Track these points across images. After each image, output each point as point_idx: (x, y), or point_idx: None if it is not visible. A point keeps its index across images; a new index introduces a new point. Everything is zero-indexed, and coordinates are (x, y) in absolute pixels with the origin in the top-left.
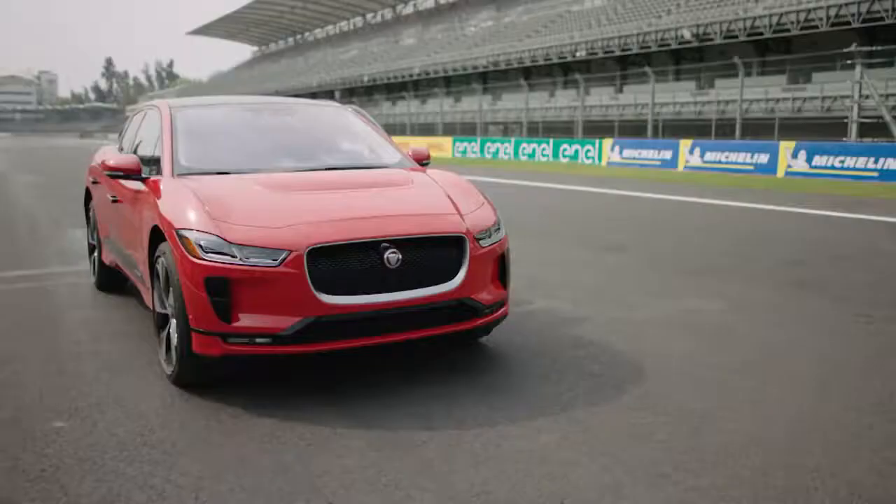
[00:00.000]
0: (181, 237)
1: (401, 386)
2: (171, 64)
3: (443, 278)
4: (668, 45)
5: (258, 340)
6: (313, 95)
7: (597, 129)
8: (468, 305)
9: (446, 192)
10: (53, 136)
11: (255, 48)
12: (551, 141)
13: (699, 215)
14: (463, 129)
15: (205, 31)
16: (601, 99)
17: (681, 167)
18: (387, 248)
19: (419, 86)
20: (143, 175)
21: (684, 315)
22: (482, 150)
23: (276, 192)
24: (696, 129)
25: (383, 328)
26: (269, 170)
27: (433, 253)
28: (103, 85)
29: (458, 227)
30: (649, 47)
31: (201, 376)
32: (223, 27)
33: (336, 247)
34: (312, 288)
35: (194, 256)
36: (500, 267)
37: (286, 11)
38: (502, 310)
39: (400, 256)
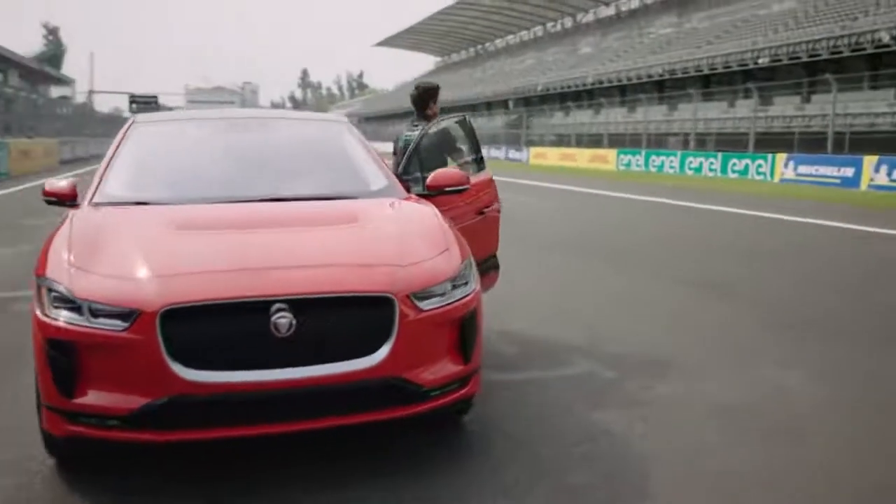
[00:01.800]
0: (37, 286)
1: (313, 483)
2: (360, 75)
3: (360, 351)
4: (864, 49)
5: (109, 423)
6: (488, 105)
7: (773, 142)
8: (399, 387)
9: (400, 233)
10: None
11: (438, 58)
12: (720, 155)
13: (866, 250)
14: (633, 141)
15: (390, 42)
16: (784, 109)
17: (863, 186)
18: (277, 311)
19: (593, 95)
20: (78, 202)
21: (763, 400)
22: (647, 164)
23: (178, 230)
24: (889, 143)
25: (271, 415)
26: (206, 199)
27: (347, 318)
28: (299, 94)
29: (380, 286)
30: (840, 52)
31: (68, 454)
32: (407, 39)
33: (203, 307)
34: (168, 359)
35: (42, 312)
36: (461, 335)
37: (468, 22)
38: (462, 390)
39: (293, 321)
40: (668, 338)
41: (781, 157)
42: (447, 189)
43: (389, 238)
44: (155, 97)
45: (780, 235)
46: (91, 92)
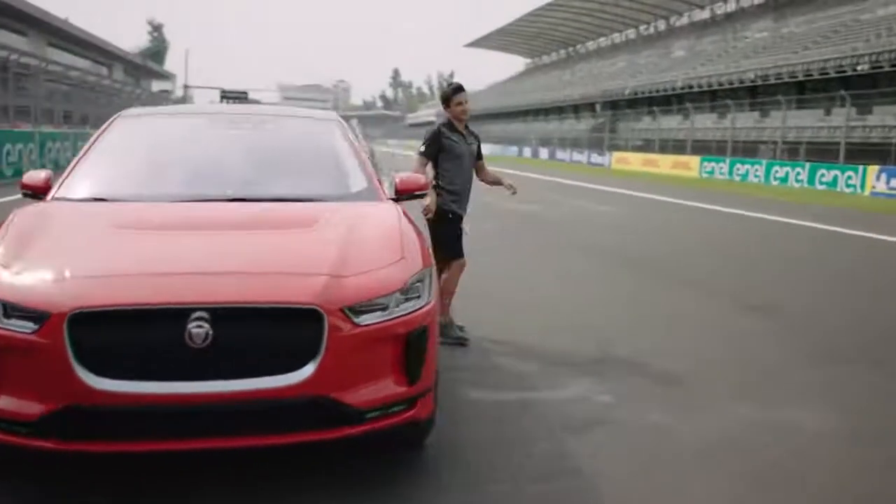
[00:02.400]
0: None
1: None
2: (451, 74)
3: (284, 368)
4: None
5: (16, 429)
6: (575, 108)
7: (868, 154)
8: (328, 408)
9: (352, 240)
10: None
11: (528, 60)
12: (807, 165)
13: None
14: (720, 148)
15: (480, 43)
16: (883, 119)
17: None
18: (193, 321)
19: (682, 100)
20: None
21: (761, 432)
22: (731, 172)
23: (115, 231)
24: None
25: (183, 430)
26: (167, 197)
27: (270, 331)
28: (390, 94)
29: (307, 297)
30: None
31: None
32: (497, 40)
33: (113, 313)
34: (76, 366)
35: None
36: (407, 353)
37: (558, 24)
38: (408, 413)
39: (210, 332)
40: (684, 362)
41: (873, 169)
42: (415, 193)
43: (337, 245)
44: (245, 93)
45: (849, 252)
46: (186, 87)
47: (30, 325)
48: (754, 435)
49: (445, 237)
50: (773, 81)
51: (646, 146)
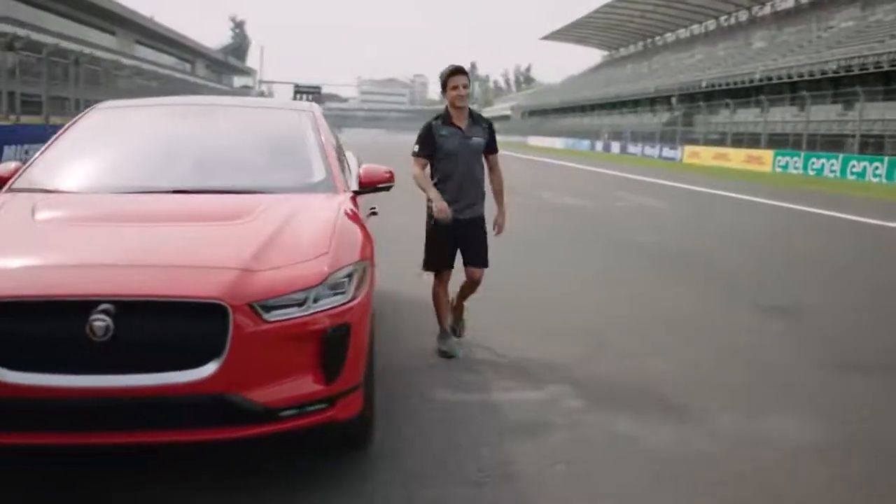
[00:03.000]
0: None
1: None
2: (528, 68)
3: (187, 363)
4: None
5: None
6: (651, 101)
7: None
8: (234, 405)
9: (277, 233)
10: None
11: (605, 52)
12: (886, 160)
13: None
14: (799, 142)
15: (556, 36)
16: None
17: None
18: (95, 314)
19: (761, 92)
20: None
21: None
22: (805, 167)
23: (41, 222)
24: None
25: (81, 424)
26: (115, 189)
27: (174, 325)
28: None
29: (211, 291)
30: None
31: None
32: (573, 32)
33: (11, 304)
34: None
35: None
36: (325, 350)
37: (636, 16)
38: (329, 412)
39: (111, 325)
40: (672, 366)
41: None
42: (378, 186)
43: (259, 239)
44: (318, 87)
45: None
46: (260, 82)
47: None
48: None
49: (432, 245)
50: (856, 72)
51: (722, 140)
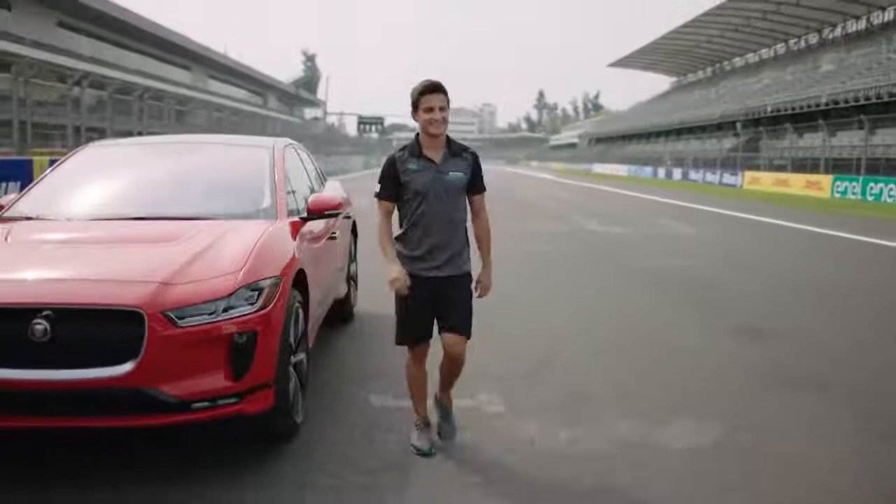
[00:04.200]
0: None
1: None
2: (597, 95)
3: (111, 360)
4: None
5: None
6: (718, 127)
7: None
8: (148, 397)
9: (200, 253)
10: (484, 162)
11: (674, 78)
12: None
13: None
14: (859, 167)
15: (624, 62)
16: None
17: None
18: (35, 318)
19: (828, 116)
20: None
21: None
22: (863, 192)
23: (22, 239)
24: None
25: (32, 410)
26: (83, 216)
27: (100, 328)
28: (534, 116)
29: (131, 301)
30: None
31: None
32: (641, 59)
33: None
34: None
35: None
36: (232, 352)
37: (703, 41)
38: (239, 405)
39: (47, 328)
40: (628, 386)
41: None
42: (325, 213)
43: (185, 257)
44: (381, 118)
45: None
46: (326, 113)
47: None
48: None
49: (403, 311)
50: None
51: (788, 165)
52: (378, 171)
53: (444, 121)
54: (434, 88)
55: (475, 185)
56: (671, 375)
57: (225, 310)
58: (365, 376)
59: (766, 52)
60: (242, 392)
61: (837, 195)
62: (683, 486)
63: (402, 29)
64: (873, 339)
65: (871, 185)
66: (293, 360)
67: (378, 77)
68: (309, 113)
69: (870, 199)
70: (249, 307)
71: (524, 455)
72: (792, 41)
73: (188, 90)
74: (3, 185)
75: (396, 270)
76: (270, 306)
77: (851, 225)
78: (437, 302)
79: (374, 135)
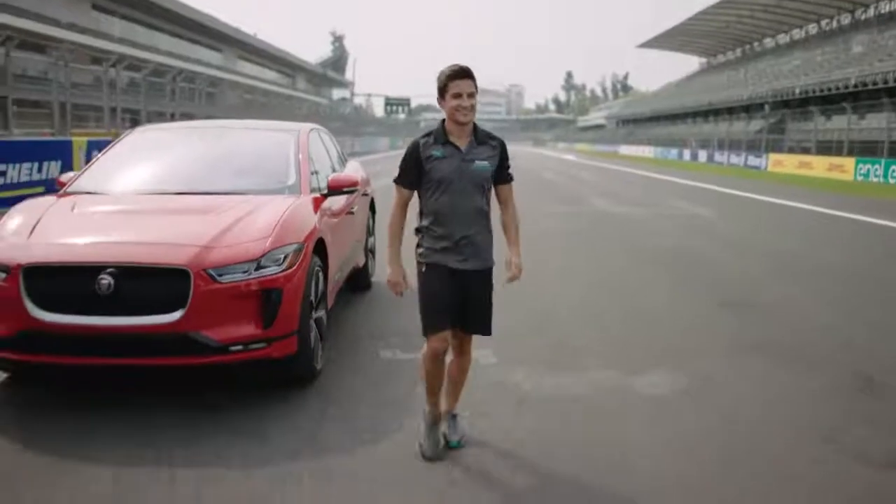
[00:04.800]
0: None
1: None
2: (626, 76)
3: (163, 309)
4: None
5: None
6: (746, 109)
7: None
8: (194, 340)
9: (235, 222)
10: (510, 143)
11: (703, 59)
12: None
13: None
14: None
15: (653, 43)
16: None
17: None
18: (102, 274)
19: (858, 97)
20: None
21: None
22: (886, 174)
23: (79, 213)
24: None
25: (97, 351)
26: (135, 191)
27: (155, 282)
28: (562, 96)
29: (177, 259)
30: None
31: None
32: (670, 39)
33: (51, 267)
34: (27, 302)
35: None
36: (262, 304)
37: (734, 21)
38: (267, 349)
39: (112, 282)
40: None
41: None
42: (344, 189)
43: (223, 225)
44: (407, 99)
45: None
46: (353, 94)
47: (2, 275)
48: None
49: (428, 297)
50: None
51: (813, 148)
52: (404, 151)
53: (473, 108)
54: (463, 73)
55: (502, 174)
56: (655, 336)
57: (256, 269)
58: (378, 335)
59: (797, 33)
60: (270, 338)
61: (860, 178)
62: (648, 426)
63: (430, 9)
64: (835, 311)
65: (894, 167)
66: (314, 315)
67: (406, 58)
68: (337, 94)
69: (892, 181)
70: (276, 268)
71: (510, 396)
72: (824, 21)
73: (219, 71)
74: (46, 164)
75: (396, 273)
76: (294, 268)
77: (857, 206)
78: (460, 295)
79: (402, 115)
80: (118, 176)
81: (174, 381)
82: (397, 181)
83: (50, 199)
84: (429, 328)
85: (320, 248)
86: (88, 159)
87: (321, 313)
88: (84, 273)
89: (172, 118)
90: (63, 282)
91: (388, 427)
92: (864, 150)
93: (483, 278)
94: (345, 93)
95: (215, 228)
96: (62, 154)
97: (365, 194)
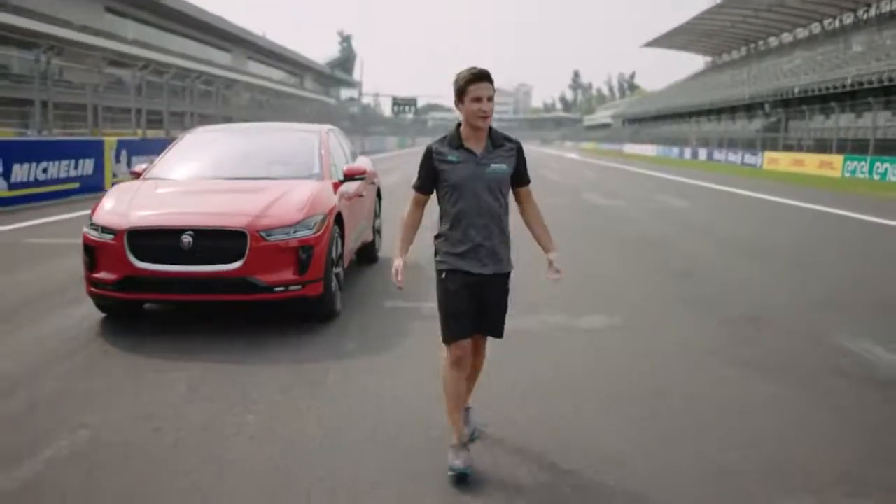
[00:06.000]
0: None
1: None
2: (632, 75)
3: (229, 260)
4: None
5: (106, 287)
6: (748, 108)
7: None
8: (249, 282)
9: (277, 199)
10: None
11: (709, 58)
12: None
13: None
14: (880, 147)
15: (659, 42)
16: None
17: None
18: (183, 234)
19: (856, 96)
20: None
21: None
22: (871, 171)
23: (161, 191)
24: None
25: (180, 289)
26: (198, 177)
27: (223, 240)
28: (569, 96)
29: (238, 224)
30: None
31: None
32: (675, 39)
33: (147, 229)
34: (129, 255)
35: (84, 229)
36: (297, 257)
37: (738, 21)
38: (302, 290)
39: (191, 241)
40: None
41: None
42: (355, 177)
43: (268, 201)
44: (414, 99)
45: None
46: (361, 94)
47: (109, 237)
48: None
49: (448, 302)
50: None
51: (810, 146)
52: (413, 150)
53: (491, 111)
54: (482, 77)
55: (520, 177)
56: (602, 294)
57: (294, 232)
58: (383, 293)
59: (801, 32)
60: (304, 282)
61: (848, 174)
62: (583, 351)
63: (437, 9)
64: (757, 275)
65: (878, 164)
66: (335, 270)
67: (412, 58)
68: (345, 93)
69: (876, 177)
70: (308, 231)
71: None
72: (826, 21)
73: (231, 72)
74: (81, 161)
75: (396, 264)
76: (321, 232)
77: (827, 199)
78: (478, 300)
79: (409, 115)
80: (183, 166)
81: (237, 315)
82: (417, 188)
83: (137, 183)
84: (449, 337)
85: (339, 220)
86: (118, 157)
87: (339, 270)
88: (170, 234)
89: (192, 118)
90: (155, 240)
91: (391, 346)
92: (856, 147)
93: (501, 282)
94: (353, 93)
95: (263, 203)
96: (95, 152)
97: (372, 183)
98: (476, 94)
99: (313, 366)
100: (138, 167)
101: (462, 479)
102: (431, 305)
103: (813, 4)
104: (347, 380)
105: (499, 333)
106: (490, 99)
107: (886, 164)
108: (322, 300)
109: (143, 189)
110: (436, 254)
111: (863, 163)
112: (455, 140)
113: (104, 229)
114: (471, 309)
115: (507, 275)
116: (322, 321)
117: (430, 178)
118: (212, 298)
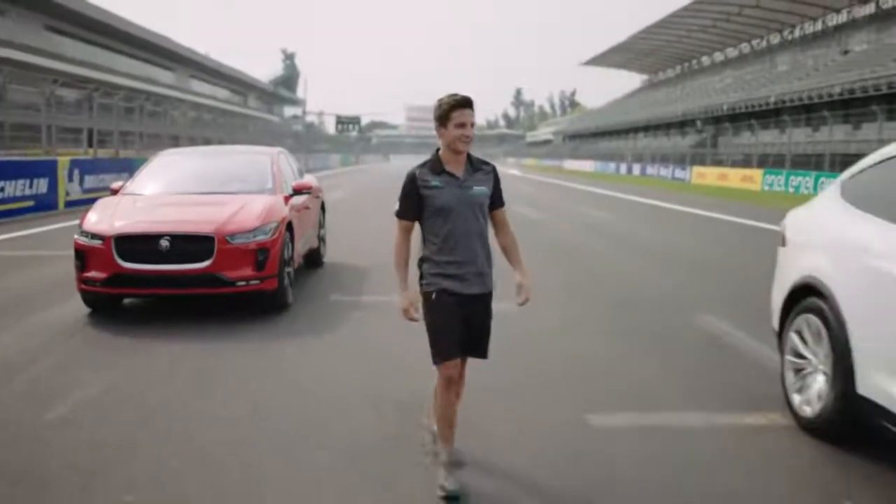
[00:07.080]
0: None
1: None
2: (573, 93)
3: (200, 260)
4: None
5: (95, 283)
6: (681, 125)
7: None
8: (217, 278)
9: (238, 210)
10: None
11: (645, 77)
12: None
13: None
14: (816, 163)
15: (598, 61)
16: None
17: None
18: (161, 239)
19: (780, 114)
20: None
21: None
22: (786, 184)
23: (138, 205)
24: None
25: (159, 285)
26: (168, 192)
27: (194, 244)
28: (512, 113)
29: (206, 230)
30: None
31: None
32: (614, 57)
33: (131, 235)
34: (117, 257)
35: (75, 236)
36: (256, 257)
37: (673, 41)
38: (260, 285)
39: (168, 244)
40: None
41: None
42: (303, 191)
43: (231, 212)
44: (357, 118)
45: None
46: (305, 112)
47: (98, 242)
48: None
49: (438, 322)
50: (858, 95)
51: (734, 161)
52: (357, 167)
53: (471, 138)
54: (466, 103)
55: (497, 199)
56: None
57: (253, 236)
58: (328, 290)
59: (731, 52)
60: (262, 277)
61: (766, 188)
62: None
63: (380, 28)
64: (644, 268)
65: (793, 178)
66: (287, 269)
67: (356, 76)
68: (288, 111)
69: (790, 190)
70: (265, 236)
71: None
72: (755, 41)
73: (175, 91)
74: (36, 180)
75: (406, 299)
76: (275, 236)
77: (736, 210)
78: (464, 320)
79: (353, 133)
80: (155, 183)
81: (207, 306)
82: (398, 214)
83: (116, 198)
84: (441, 357)
85: (290, 227)
86: (71, 176)
87: (291, 269)
88: (150, 239)
89: (141, 137)
90: (138, 244)
91: (333, 326)
92: (776, 162)
93: (486, 302)
94: (296, 110)
95: (227, 213)
96: (49, 172)
97: (317, 198)
98: (460, 120)
99: (272, 345)
100: (115, 185)
101: (453, 501)
102: (369, 299)
103: (742, 25)
104: (300, 356)
105: (483, 354)
106: (472, 125)
107: (800, 178)
108: (277, 293)
109: (123, 203)
110: (420, 277)
111: (780, 177)
112: (437, 165)
113: (94, 235)
114: (460, 328)
115: (491, 294)
116: (277, 311)
117: (415, 204)
118: (185, 292)
